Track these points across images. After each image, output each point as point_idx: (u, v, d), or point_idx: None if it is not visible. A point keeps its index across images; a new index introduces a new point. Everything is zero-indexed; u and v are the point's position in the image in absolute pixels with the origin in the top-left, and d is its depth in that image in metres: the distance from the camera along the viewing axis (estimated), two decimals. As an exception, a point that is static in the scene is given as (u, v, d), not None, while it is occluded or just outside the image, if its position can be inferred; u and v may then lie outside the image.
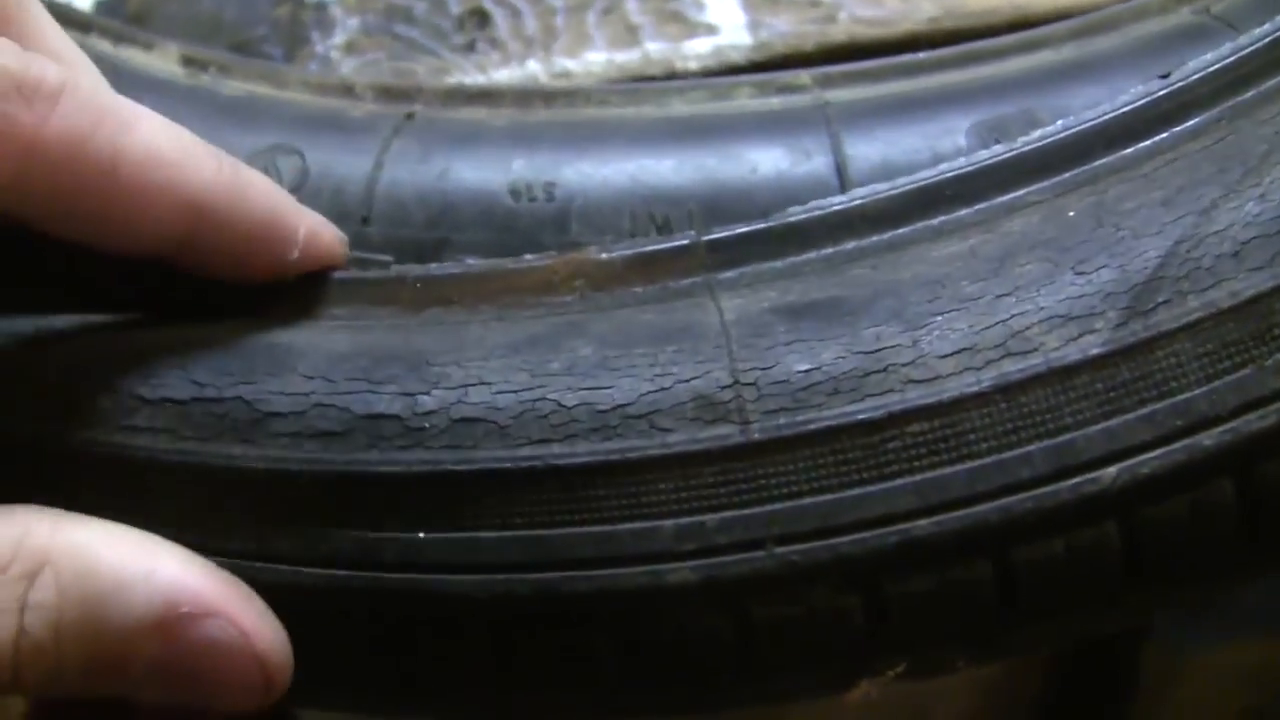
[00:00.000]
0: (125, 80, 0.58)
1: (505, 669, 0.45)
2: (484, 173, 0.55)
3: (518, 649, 0.45)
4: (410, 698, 0.48)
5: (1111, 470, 0.42)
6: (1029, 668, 1.12)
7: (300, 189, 0.56)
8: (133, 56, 0.61)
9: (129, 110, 0.43)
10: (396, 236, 0.54)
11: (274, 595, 0.45)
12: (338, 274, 0.49)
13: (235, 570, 0.45)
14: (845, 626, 0.44)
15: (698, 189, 0.53)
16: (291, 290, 0.48)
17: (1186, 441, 0.43)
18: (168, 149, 0.43)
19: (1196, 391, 0.43)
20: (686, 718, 0.50)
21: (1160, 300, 0.43)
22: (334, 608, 0.45)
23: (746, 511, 0.43)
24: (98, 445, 0.45)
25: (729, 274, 0.47)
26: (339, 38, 0.68)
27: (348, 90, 0.59)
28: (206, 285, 0.47)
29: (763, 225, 0.47)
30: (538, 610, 0.44)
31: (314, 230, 0.47)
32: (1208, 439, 0.43)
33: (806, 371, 0.44)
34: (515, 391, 0.44)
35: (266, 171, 0.55)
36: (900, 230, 0.47)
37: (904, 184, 0.47)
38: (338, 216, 0.53)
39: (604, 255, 0.47)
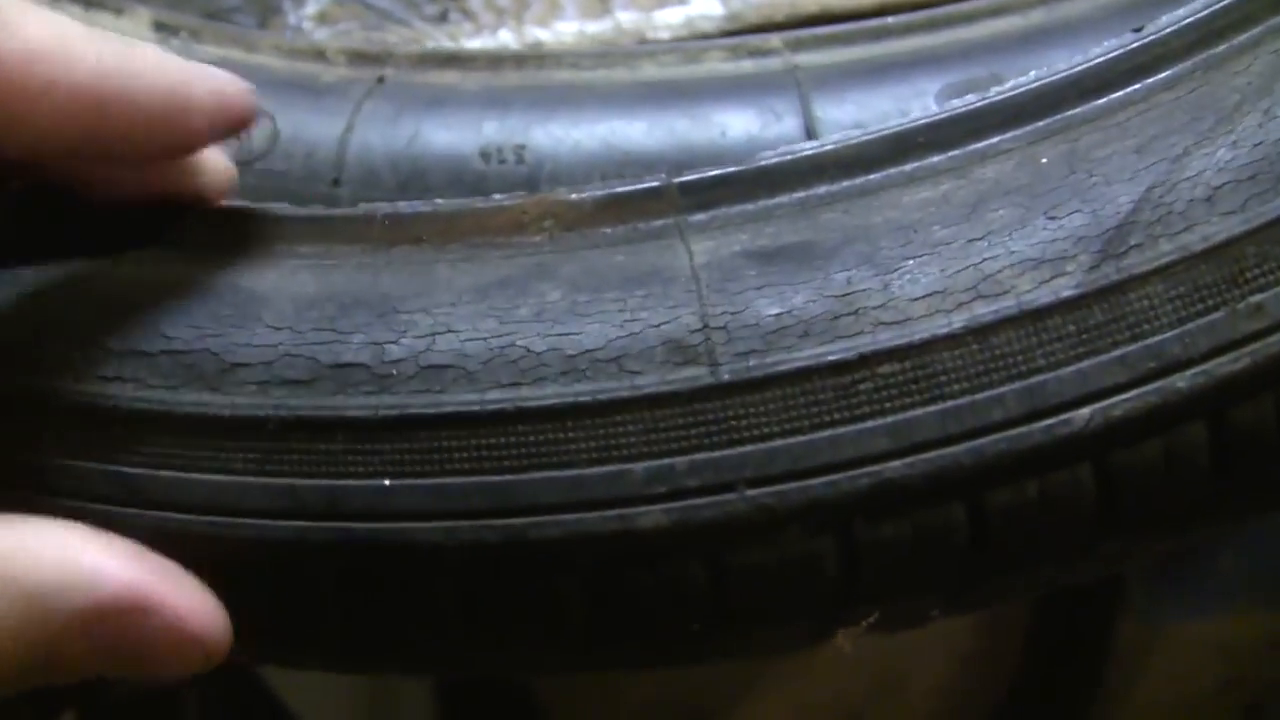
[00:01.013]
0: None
1: (473, 619, 0.45)
2: (454, 136, 0.55)
3: (486, 598, 0.44)
4: (379, 651, 0.47)
5: (1084, 412, 0.42)
6: (1006, 637, 1.12)
7: (271, 151, 0.55)
8: (104, 22, 0.60)
9: (11, 11, 0.42)
10: (367, 199, 0.54)
11: (241, 549, 0.44)
12: (305, 210, 0.48)
13: (204, 525, 0.44)
14: (818, 572, 0.43)
15: (669, 152, 0.53)
16: (257, 225, 0.48)
17: (1159, 384, 0.42)
18: (48, 45, 0.42)
19: (1169, 334, 0.42)
20: (657, 669, 0.49)
21: (1133, 244, 0.43)
22: (300, 559, 0.44)
23: (717, 454, 0.42)
24: (69, 395, 0.45)
25: (700, 216, 0.46)
26: (311, 8, 0.67)
27: (319, 55, 0.59)
28: (172, 218, 0.47)
29: (735, 169, 0.47)
30: (506, 557, 0.43)
31: (218, 90, 0.45)
32: (1180, 381, 0.42)
33: (777, 315, 0.43)
34: (484, 339, 0.44)
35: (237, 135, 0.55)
36: (872, 176, 0.47)
37: (877, 130, 0.47)
38: (309, 178, 0.53)
39: (574, 196, 0.47)
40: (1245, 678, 1.12)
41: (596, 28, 0.66)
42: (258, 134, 0.55)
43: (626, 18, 0.66)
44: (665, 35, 0.64)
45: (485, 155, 0.54)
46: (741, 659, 0.48)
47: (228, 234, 0.48)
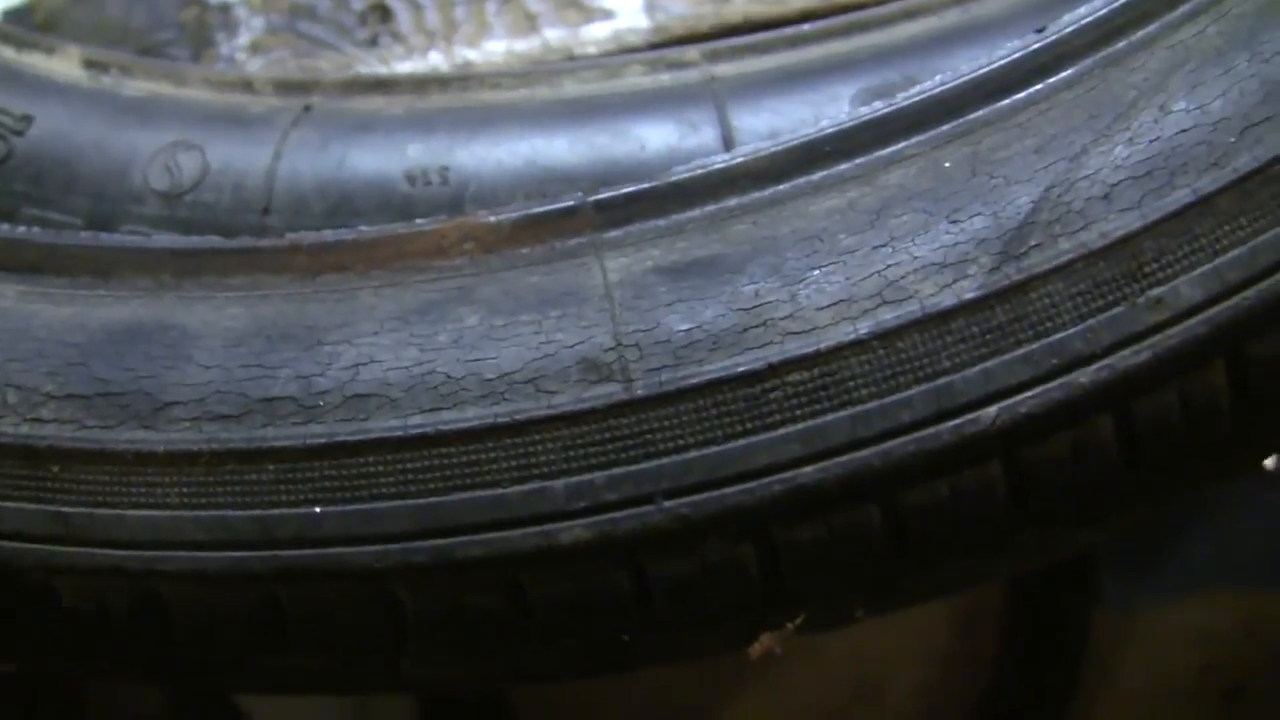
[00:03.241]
0: (29, 85, 0.59)
1: (402, 639, 0.46)
2: (380, 160, 0.56)
3: (415, 618, 0.45)
4: (316, 674, 0.48)
5: (991, 410, 0.43)
6: (983, 635, 1.13)
7: (201, 184, 0.56)
8: (36, 62, 0.61)
9: None
10: (297, 226, 0.55)
11: (178, 583, 0.45)
12: (234, 242, 0.49)
13: (136, 560, 0.45)
14: (740, 578, 0.44)
15: (590, 167, 0.54)
16: (188, 259, 0.49)
17: (1064, 380, 0.43)
18: None
19: (1071, 330, 0.43)
20: (588, 678, 0.50)
21: (1033, 244, 0.44)
22: (235, 589, 0.45)
23: (635, 467, 0.43)
24: (5, 437, 0.46)
25: (615, 233, 0.47)
26: (244, 38, 0.68)
27: (247, 86, 0.60)
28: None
29: (648, 185, 0.48)
30: (435, 577, 0.44)
31: None
32: (1084, 376, 0.43)
33: (687, 330, 0.44)
34: (405, 367, 0.45)
35: (167, 168, 0.56)
36: (781, 186, 0.48)
37: (785, 141, 0.48)
38: (239, 209, 0.54)
39: (493, 218, 0.48)
40: (1222, 662, 1.12)
41: (525, 46, 0.67)
42: (187, 167, 0.56)
43: (554, 35, 0.66)
44: (593, 50, 0.65)
45: (411, 178, 0.55)
46: (671, 664, 0.49)
47: (159, 269, 0.49)
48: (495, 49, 0.66)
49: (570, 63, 0.63)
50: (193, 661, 0.49)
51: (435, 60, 0.66)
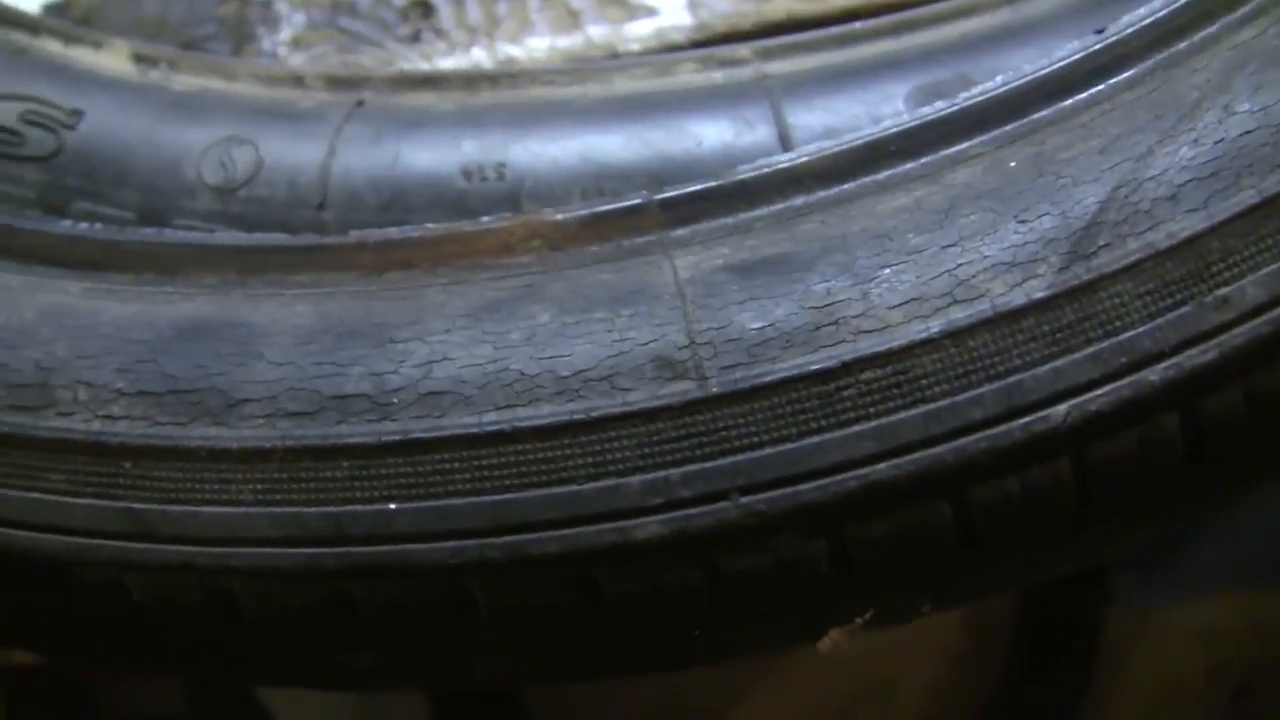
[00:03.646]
0: (77, 80, 0.59)
1: (474, 634, 0.46)
2: (435, 156, 0.56)
3: (488, 614, 0.46)
4: (385, 670, 0.49)
5: (1061, 408, 0.44)
6: (993, 635, 1.13)
7: (255, 178, 0.56)
8: (83, 56, 0.61)
9: None
10: (352, 221, 0.55)
11: (249, 579, 0.46)
12: (299, 239, 0.49)
13: (208, 557, 0.46)
14: (812, 573, 0.45)
15: (645, 163, 0.54)
16: (253, 256, 0.49)
17: (1132, 378, 0.44)
18: None
19: (1140, 329, 0.44)
20: (657, 673, 0.51)
21: (1101, 244, 0.45)
22: (307, 586, 0.46)
23: (710, 464, 0.44)
24: (77, 433, 0.46)
25: (682, 231, 0.48)
26: (285, 33, 0.68)
27: (297, 81, 0.60)
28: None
29: (713, 183, 0.48)
30: (509, 574, 0.45)
31: None
32: (1153, 374, 0.44)
33: (760, 328, 0.45)
34: (479, 364, 0.45)
35: (221, 163, 0.56)
36: (846, 185, 0.48)
37: (849, 140, 0.49)
38: (293, 204, 0.54)
39: (559, 216, 0.49)
40: (1231, 662, 1.13)
41: (568, 42, 0.67)
42: (240, 161, 0.56)
43: (597, 31, 0.67)
44: (635, 48, 0.66)
45: (467, 174, 0.55)
46: (738, 659, 0.50)
47: (223, 266, 0.49)
48: (538, 46, 0.67)
49: (620, 60, 0.63)
50: (261, 657, 0.49)
51: (478, 56, 0.67)
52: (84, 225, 0.53)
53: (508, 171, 0.55)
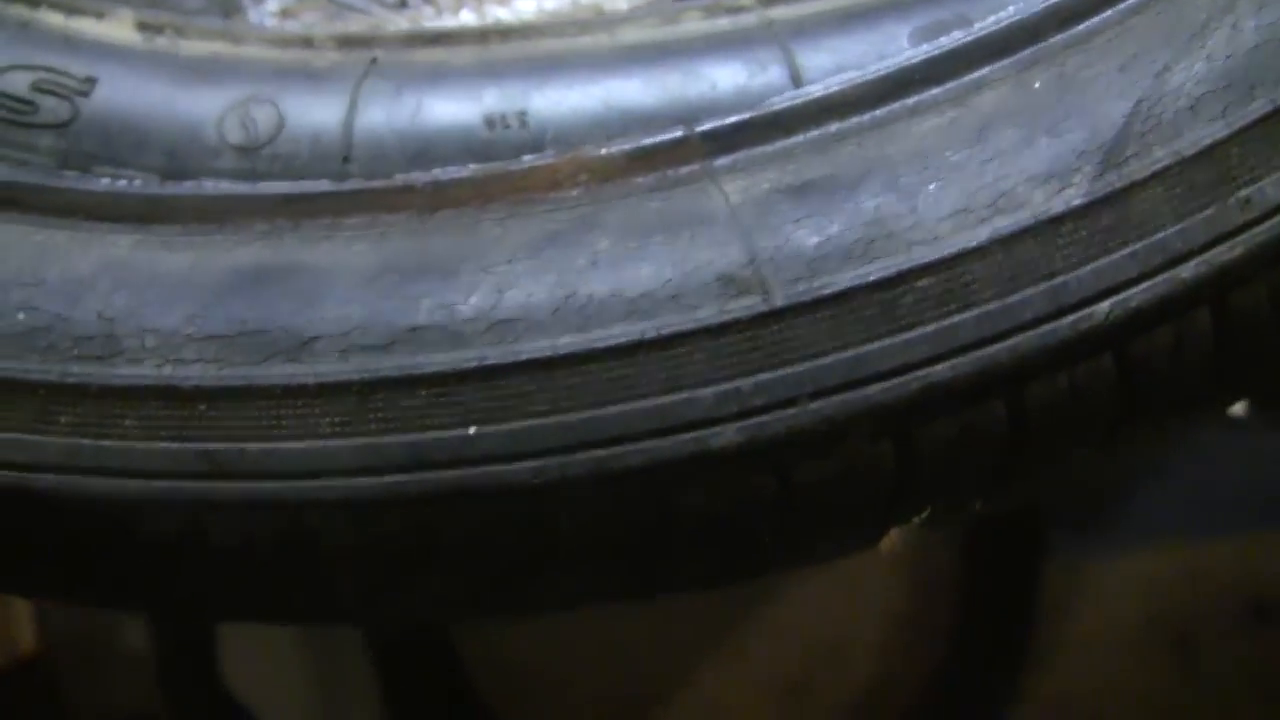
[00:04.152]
0: (85, 49, 0.59)
1: (553, 555, 0.48)
2: (457, 106, 0.57)
3: (567, 533, 0.47)
4: (460, 599, 0.50)
5: (1104, 306, 0.47)
6: (938, 598, 1.16)
7: (278, 136, 0.57)
8: (87, 27, 0.61)
9: None
10: (379, 174, 0.56)
11: (330, 511, 0.47)
12: (348, 184, 0.51)
13: (289, 491, 0.47)
14: (876, 475, 0.47)
15: (665, 107, 0.56)
16: (303, 203, 0.50)
17: (1167, 275, 0.47)
18: None
19: (1171, 230, 0.47)
20: (727, 587, 0.53)
21: (1130, 153, 0.47)
22: (388, 515, 0.47)
23: (779, 373, 0.46)
24: (149, 379, 0.47)
25: (724, 160, 0.50)
26: (273, 4, 0.69)
27: (307, 42, 0.61)
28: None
29: (751, 114, 0.51)
30: (590, 490, 0.46)
31: None
32: (1185, 271, 0.47)
33: (817, 244, 0.47)
34: (548, 291, 0.47)
35: (242, 123, 0.57)
36: (879, 111, 0.50)
37: (874, 70, 0.51)
38: (318, 159, 0.55)
39: (604, 151, 0.50)
40: (1170, 612, 1.17)
41: (554, 3, 0.69)
42: (262, 120, 0.57)
43: (583, -11, 0.69)
44: (623, 6, 0.67)
45: (490, 123, 0.56)
46: (804, 566, 0.52)
47: (273, 214, 0.50)
48: (525, 7, 0.68)
49: (625, 12, 0.65)
50: (338, 594, 0.50)
51: (467, 19, 0.68)
52: (123, 182, 0.54)
53: (530, 119, 0.56)
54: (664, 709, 1.16)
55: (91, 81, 0.58)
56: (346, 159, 0.56)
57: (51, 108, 0.57)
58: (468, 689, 1.16)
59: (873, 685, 1.17)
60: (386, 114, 0.56)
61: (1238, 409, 1.15)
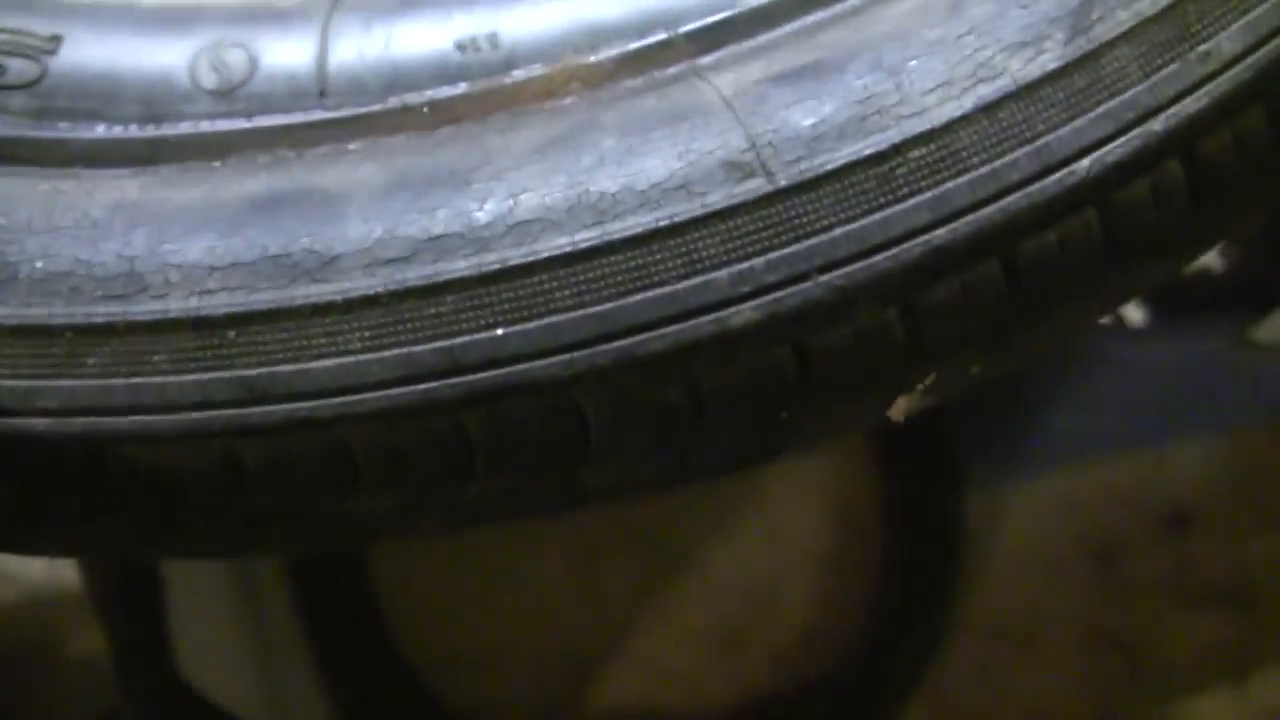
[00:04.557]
0: (46, 7, 0.60)
1: (585, 446, 0.50)
2: (427, 34, 0.58)
3: (598, 422, 0.49)
4: (498, 501, 0.52)
5: (1085, 162, 0.49)
6: (866, 537, 1.19)
7: (252, 77, 0.58)
8: (42, -14, 0.62)
9: None
10: (357, 105, 0.57)
11: (368, 424, 0.48)
12: (343, 111, 0.52)
13: (324, 409, 0.48)
14: (887, 340, 0.50)
15: (634, 18, 0.58)
16: (300, 129, 0.51)
17: (1140, 129, 0.50)
18: None
19: (1140, 87, 0.50)
20: (748, 468, 0.55)
21: (1095, 17, 0.50)
22: (424, 421, 0.49)
23: (789, 249, 0.48)
24: (176, 312, 0.48)
25: (709, 58, 0.52)
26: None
27: (269, -16, 0.62)
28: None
29: (730, 12, 0.53)
30: (618, 378, 0.48)
31: None
32: (1156, 124, 0.50)
33: (813, 124, 0.49)
34: (560, 190, 0.49)
35: (214, 67, 0.58)
36: (853, 1, 0.53)
37: (846, -35, 0.53)
38: (296, 95, 0.56)
39: (592, 58, 0.52)
40: (1094, 526, 1.20)
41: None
42: (234, 63, 0.58)
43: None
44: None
45: (461, 47, 0.57)
46: (821, 442, 0.54)
47: (273, 144, 0.51)
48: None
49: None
50: (378, 510, 0.52)
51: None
52: (119, 127, 0.54)
53: (501, 40, 0.58)
54: (602, 669, 1.17)
55: (57, 39, 0.59)
56: (323, 94, 0.57)
57: (19, 69, 0.58)
58: (400, 669, 1.17)
59: (807, 630, 1.18)
60: (358, 47, 0.57)
61: (1140, 318, 1.19)
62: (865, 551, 1.19)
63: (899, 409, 0.52)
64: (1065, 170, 0.49)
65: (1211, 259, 1.15)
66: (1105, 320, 1.15)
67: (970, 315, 0.50)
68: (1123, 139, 0.50)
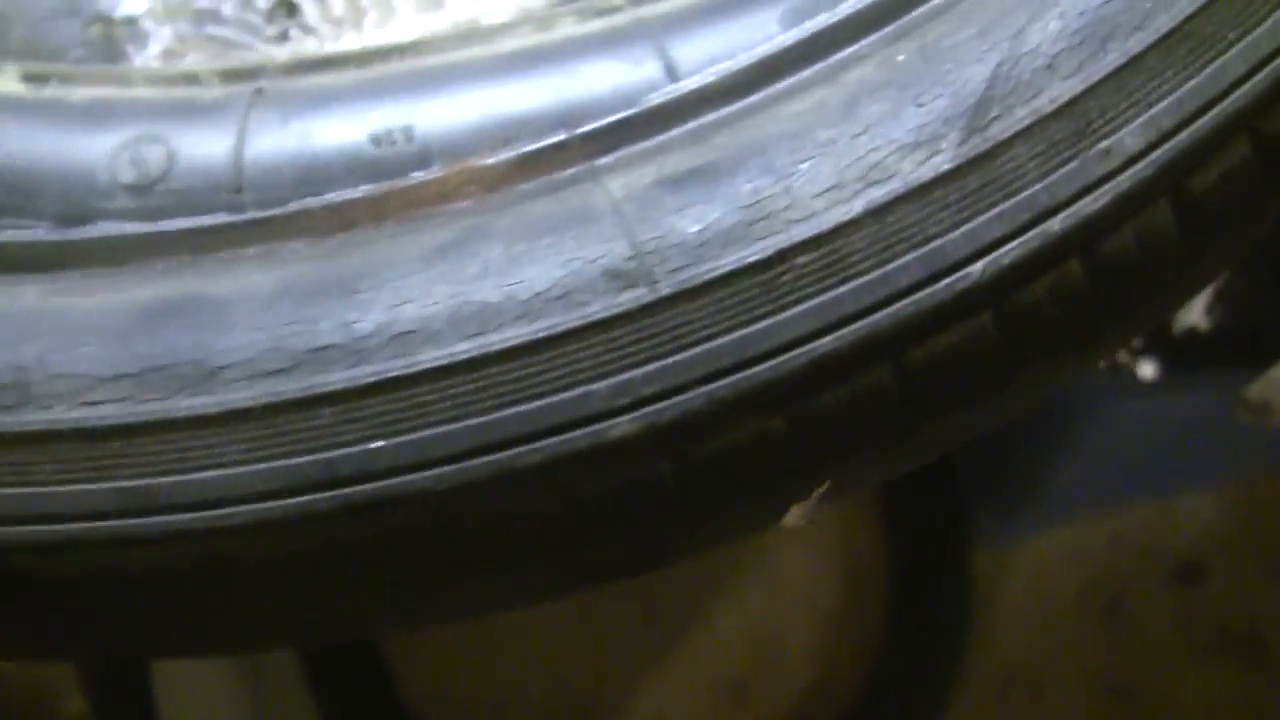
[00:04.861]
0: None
1: (460, 556, 0.49)
2: (343, 128, 0.58)
3: (474, 534, 0.48)
4: (375, 611, 0.51)
5: (978, 266, 0.48)
6: (872, 593, 1.18)
7: (169, 172, 0.58)
8: (-30, 80, 0.62)
9: None
10: (271, 201, 0.57)
11: (247, 536, 0.48)
12: (244, 215, 0.52)
13: (202, 520, 0.48)
14: (772, 450, 0.49)
15: (547, 110, 0.57)
16: (201, 236, 0.51)
17: (1037, 230, 0.48)
18: None
19: (1037, 187, 0.49)
20: (635, 576, 0.54)
21: (993, 115, 0.49)
22: (302, 532, 0.48)
23: (670, 360, 0.47)
24: (63, 423, 0.48)
25: (606, 159, 0.51)
26: (155, 47, 0.70)
27: (192, 79, 0.62)
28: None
29: (629, 112, 0.52)
30: (494, 491, 0.48)
31: None
32: (1054, 225, 0.49)
33: (699, 230, 0.48)
34: (442, 301, 0.48)
35: (132, 162, 0.58)
36: (752, 98, 0.52)
37: (747, 58, 0.52)
38: (211, 191, 0.56)
39: (489, 160, 0.51)
40: (1100, 577, 1.19)
41: (432, 23, 0.70)
42: (152, 158, 0.58)
43: (459, 9, 0.70)
44: (499, 21, 0.69)
45: (376, 141, 0.57)
46: (708, 551, 0.53)
47: (173, 250, 0.51)
48: (405, 28, 0.69)
49: (500, 24, 0.66)
50: (260, 618, 0.51)
51: (349, 45, 0.69)
52: (21, 231, 0.54)
53: (416, 133, 0.57)
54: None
55: (-20, 136, 0.59)
56: (239, 190, 0.57)
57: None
58: (402, 718, 1.16)
59: (811, 683, 1.18)
60: (274, 142, 0.57)
61: (1148, 372, 1.17)
62: (870, 605, 1.19)
63: (795, 515, 0.51)
64: (957, 274, 0.48)
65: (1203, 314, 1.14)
66: (1111, 373, 1.15)
67: (860, 423, 0.49)
68: (1018, 240, 0.48)
